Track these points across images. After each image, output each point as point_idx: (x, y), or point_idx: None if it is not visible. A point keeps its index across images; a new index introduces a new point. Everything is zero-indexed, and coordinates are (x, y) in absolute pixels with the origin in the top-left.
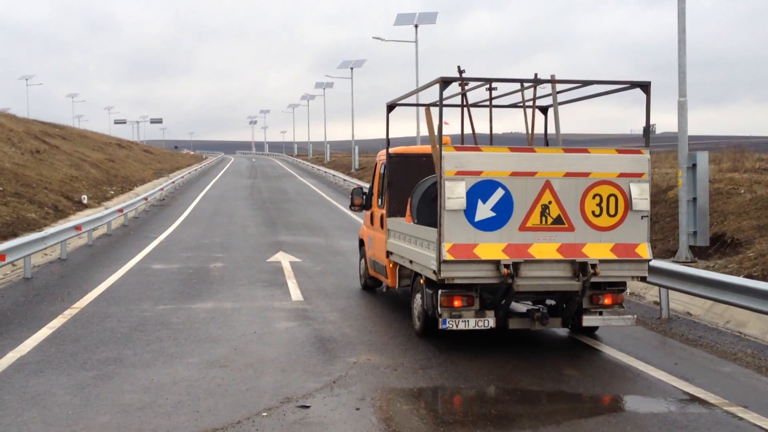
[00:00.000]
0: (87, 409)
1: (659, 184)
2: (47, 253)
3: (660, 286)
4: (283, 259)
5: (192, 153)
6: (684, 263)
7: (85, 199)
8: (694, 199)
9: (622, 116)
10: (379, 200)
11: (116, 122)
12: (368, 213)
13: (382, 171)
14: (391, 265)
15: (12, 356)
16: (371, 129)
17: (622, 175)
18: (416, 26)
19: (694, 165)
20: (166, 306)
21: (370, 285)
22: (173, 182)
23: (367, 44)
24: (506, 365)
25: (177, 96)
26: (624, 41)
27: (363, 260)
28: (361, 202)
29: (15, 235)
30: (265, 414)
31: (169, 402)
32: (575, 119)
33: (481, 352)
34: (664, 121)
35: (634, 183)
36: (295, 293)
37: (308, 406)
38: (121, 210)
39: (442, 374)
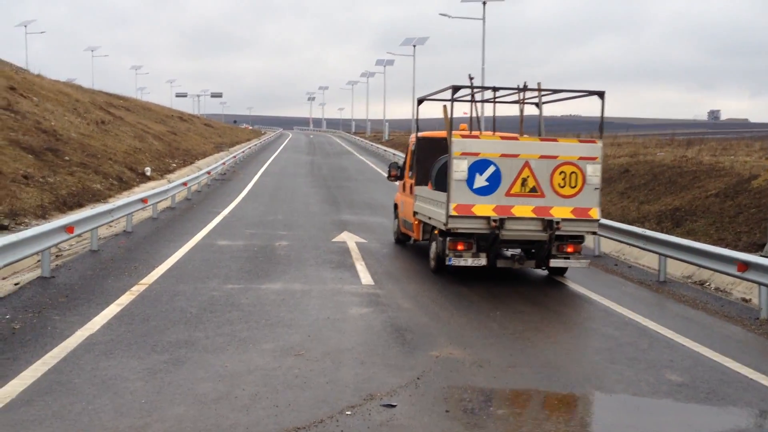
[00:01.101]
0: (160, 398)
1: (741, 173)
2: (112, 225)
3: (759, 283)
4: (349, 239)
5: (251, 128)
6: None
7: (148, 171)
8: None
9: (687, 100)
10: (410, 172)
11: (177, 95)
12: (401, 183)
13: (413, 149)
14: (416, 222)
15: (81, 335)
16: (431, 109)
17: (581, 158)
18: (484, 3)
19: None
20: (235, 285)
21: (402, 240)
22: (234, 157)
23: (426, 22)
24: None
25: (237, 71)
26: (689, 23)
27: (396, 220)
28: (396, 173)
29: (80, 206)
30: (349, 413)
31: (246, 393)
32: (640, 102)
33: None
34: (729, 107)
35: (590, 164)
36: (365, 276)
37: (394, 406)
38: (185, 183)
39: (535, 373)
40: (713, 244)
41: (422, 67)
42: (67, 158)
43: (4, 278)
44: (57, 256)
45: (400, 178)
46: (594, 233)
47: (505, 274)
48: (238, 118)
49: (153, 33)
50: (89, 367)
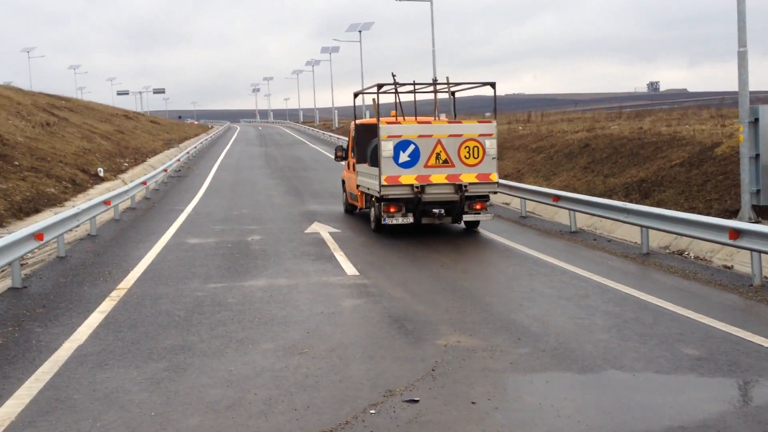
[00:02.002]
0: (171, 409)
1: (703, 142)
2: (74, 230)
3: (752, 250)
4: (321, 230)
5: (197, 123)
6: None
7: (101, 171)
8: (757, 155)
9: (629, 72)
10: (352, 153)
11: (119, 93)
12: (346, 162)
13: (353, 135)
14: (359, 194)
15: (69, 346)
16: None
17: (480, 135)
18: None
19: (756, 120)
20: (217, 284)
21: (349, 210)
22: (187, 153)
23: (369, 8)
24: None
25: (178, 65)
26: None
27: (344, 194)
28: (341, 154)
29: (37, 211)
30: (372, 411)
31: (259, 398)
32: (582, 77)
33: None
34: (668, 78)
35: (488, 139)
36: (348, 267)
37: (417, 401)
38: (144, 182)
39: (552, 357)
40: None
41: (369, 51)
42: (16, 163)
43: None
44: (22, 264)
45: (345, 158)
46: (494, 192)
47: (499, 258)
48: (183, 113)
49: (89, 31)
50: (86, 381)
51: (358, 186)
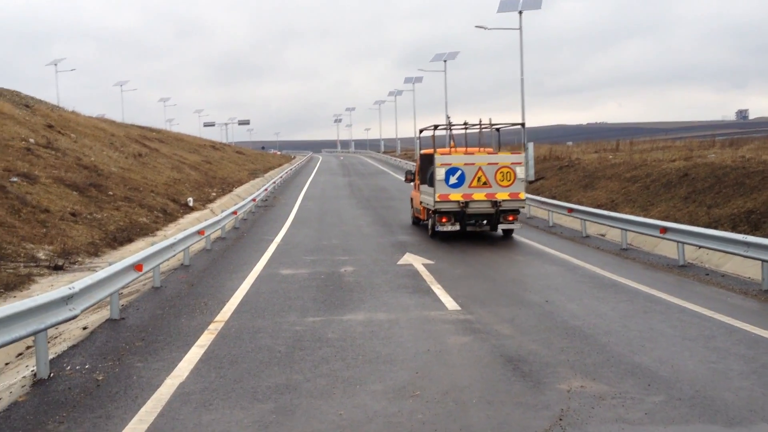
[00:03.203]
0: None
1: None
2: (167, 260)
3: None
4: (414, 261)
5: (279, 153)
6: None
7: (191, 201)
8: None
9: (718, 100)
10: (419, 176)
11: (205, 125)
12: (414, 183)
13: (418, 162)
14: (422, 208)
15: (171, 383)
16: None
17: (512, 163)
18: (520, 12)
19: None
20: (315, 318)
21: (416, 222)
22: (273, 182)
23: (450, 38)
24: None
25: (263, 97)
26: (720, 24)
27: (412, 209)
28: (411, 177)
29: (130, 240)
30: None
31: None
32: (668, 105)
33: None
34: (758, 105)
35: (518, 167)
36: (448, 301)
37: None
38: (235, 212)
39: (690, 407)
40: None
41: (453, 81)
42: (110, 193)
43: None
44: (119, 294)
45: (413, 181)
46: (522, 207)
47: (606, 294)
48: (266, 143)
49: (179, 65)
50: (192, 423)
51: (420, 202)
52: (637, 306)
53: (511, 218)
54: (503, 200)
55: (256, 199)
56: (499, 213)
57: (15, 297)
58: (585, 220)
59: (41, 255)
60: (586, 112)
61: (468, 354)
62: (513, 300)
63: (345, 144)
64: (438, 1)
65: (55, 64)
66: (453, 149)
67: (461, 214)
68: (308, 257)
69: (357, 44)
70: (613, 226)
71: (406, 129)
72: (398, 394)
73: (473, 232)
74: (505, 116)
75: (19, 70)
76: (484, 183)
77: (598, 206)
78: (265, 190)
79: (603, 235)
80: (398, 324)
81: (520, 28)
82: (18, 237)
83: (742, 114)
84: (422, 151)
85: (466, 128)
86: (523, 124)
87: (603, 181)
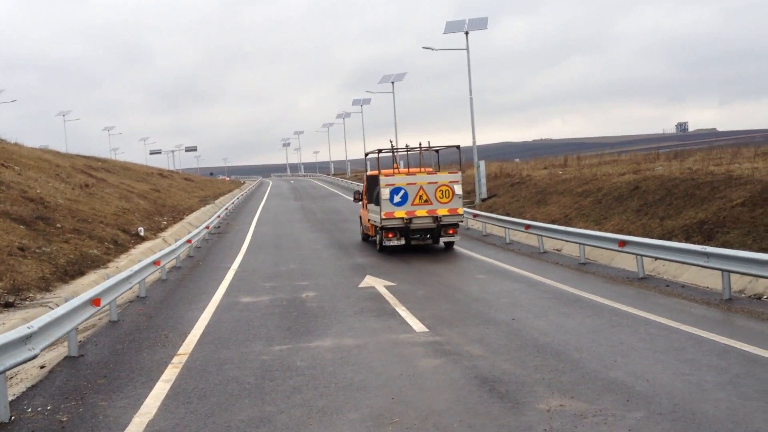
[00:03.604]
0: None
1: (763, 180)
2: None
3: None
4: (375, 283)
5: (228, 179)
6: None
7: (141, 231)
8: None
9: (658, 113)
10: (366, 195)
11: (152, 152)
12: (361, 203)
13: (366, 183)
14: (370, 225)
15: (139, 421)
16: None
17: (450, 182)
18: (467, 33)
19: None
20: (282, 346)
21: (365, 238)
22: (226, 209)
23: (397, 59)
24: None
25: (210, 122)
26: (657, 39)
27: (361, 226)
28: (359, 197)
29: (82, 273)
30: None
31: None
32: (610, 120)
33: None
34: (698, 118)
35: (455, 185)
36: (415, 323)
37: None
38: (189, 240)
39: (674, 419)
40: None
41: (401, 101)
42: (59, 225)
43: None
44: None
45: (361, 200)
46: (461, 221)
47: (571, 309)
48: (214, 169)
49: (123, 92)
50: None
51: (369, 220)
52: (603, 320)
53: (451, 231)
54: (443, 215)
55: (210, 227)
56: (440, 227)
57: None
58: (542, 236)
59: None
60: (532, 129)
61: (442, 377)
62: (480, 319)
63: (294, 167)
64: (385, 24)
65: None
66: (396, 170)
67: (405, 229)
68: (267, 283)
69: (304, 67)
70: (572, 241)
71: (356, 150)
72: (377, 422)
73: (417, 246)
74: (456, 135)
75: None
76: (426, 201)
77: (552, 221)
78: (218, 216)
79: (559, 250)
80: (367, 348)
81: (467, 49)
82: None
83: (682, 126)
84: (368, 173)
85: (407, 151)
86: (458, 146)
87: (555, 197)
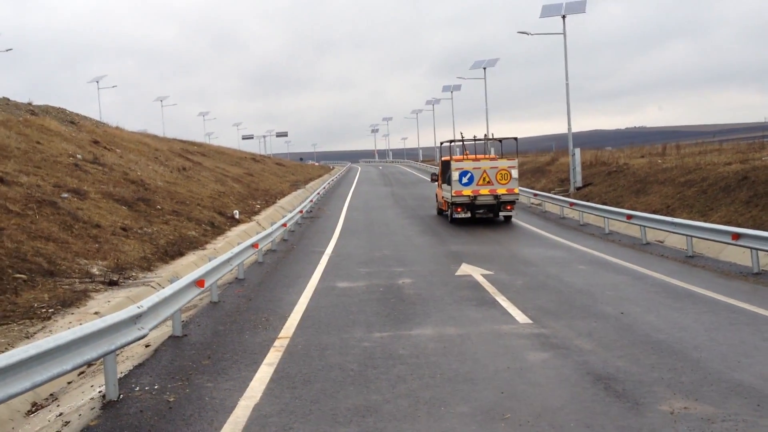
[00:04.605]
0: None
1: None
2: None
3: None
4: (472, 272)
5: (317, 164)
6: None
7: (237, 214)
8: None
9: (757, 101)
10: (441, 177)
11: (244, 138)
12: (436, 183)
13: (441, 167)
14: (443, 201)
15: (245, 405)
16: (506, 129)
17: (509, 167)
18: (564, 17)
19: None
20: (382, 333)
21: (439, 213)
22: (317, 193)
23: (486, 45)
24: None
25: (299, 108)
26: (762, 22)
27: (437, 203)
28: (435, 178)
29: (181, 254)
30: None
31: None
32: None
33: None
34: None
35: (513, 169)
36: (517, 314)
37: None
38: (284, 224)
39: None
40: None
41: (491, 88)
42: (158, 207)
43: None
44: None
45: (436, 180)
46: (516, 199)
47: (684, 304)
48: (304, 155)
49: (216, 78)
50: None
51: (442, 197)
52: (720, 317)
53: (509, 207)
54: (502, 194)
55: (303, 211)
56: (499, 204)
57: (72, 313)
58: (646, 227)
59: (95, 270)
60: (624, 116)
61: (552, 371)
62: (586, 312)
63: (382, 154)
64: (473, 9)
65: (97, 81)
66: (465, 156)
67: (471, 205)
68: (362, 269)
69: (392, 53)
70: (679, 233)
71: (445, 137)
72: (487, 416)
73: (481, 219)
74: (544, 122)
75: (59, 86)
76: (488, 182)
77: (653, 212)
78: (310, 201)
79: (661, 242)
80: (470, 339)
81: (564, 33)
82: (72, 253)
83: None
84: (442, 158)
85: (474, 141)
86: (515, 138)
87: (656, 186)
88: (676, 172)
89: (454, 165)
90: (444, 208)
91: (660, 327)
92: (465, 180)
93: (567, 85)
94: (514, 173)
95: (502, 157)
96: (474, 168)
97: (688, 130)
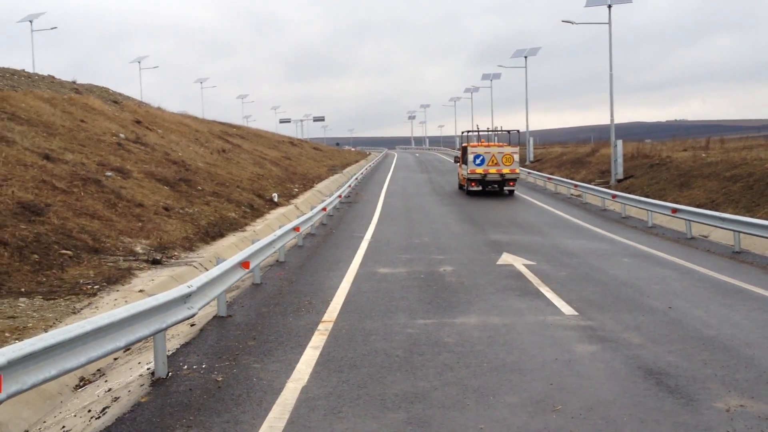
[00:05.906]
0: None
1: None
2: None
3: None
4: (514, 261)
5: (354, 149)
6: None
7: (275, 197)
8: None
9: None
10: (461, 159)
11: (281, 121)
12: (458, 164)
13: (462, 151)
14: (462, 177)
15: (293, 387)
16: (544, 119)
17: (512, 152)
18: (610, 7)
19: None
20: (426, 320)
21: (459, 187)
22: (355, 178)
23: (526, 34)
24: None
25: (336, 93)
26: None
27: (458, 180)
28: (457, 160)
29: (221, 235)
30: None
31: None
32: (755, 101)
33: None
34: None
35: (515, 154)
36: (562, 305)
37: None
38: (324, 209)
39: None
40: None
41: (530, 78)
42: (199, 188)
43: None
44: None
45: (458, 162)
46: (517, 177)
47: (734, 300)
48: (340, 140)
49: (255, 61)
50: None
51: (462, 175)
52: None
53: (511, 184)
54: (506, 173)
55: (342, 196)
56: (504, 180)
57: (117, 290)
58: (691, 221)
59: (138, 249)
60: (665, 109)
61: (601, 364)
62: (632, 305)
63: (419, 141)
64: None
65: (139, 62)
66: (480, 143)
67: (482, 181)
68: (403, 255)
69: (431, 40)
70: (727, 228)
71: (483, 125)
72: (537, 407)
73: (489, 192)
74: (584, 113)
75: (101, 66)
76: (495, 163)
77: (698, 206)
78: (348, 186)
79: (706, 236)
80: (515, 329)
81: (609, 23)
82: (116, 231)
83: None
84: (462, 144)
85: (488, 132)
86: (518, 130)
87: (700, 180)
88: (721, 166)
89: (470, 150)
90: (463, 183)
91: (710, 323)
92: (478, 161)
93: (611, 75)
94: (516, 157)
95: (507, 145)
96: (485, 152)
97: (731, 124)
